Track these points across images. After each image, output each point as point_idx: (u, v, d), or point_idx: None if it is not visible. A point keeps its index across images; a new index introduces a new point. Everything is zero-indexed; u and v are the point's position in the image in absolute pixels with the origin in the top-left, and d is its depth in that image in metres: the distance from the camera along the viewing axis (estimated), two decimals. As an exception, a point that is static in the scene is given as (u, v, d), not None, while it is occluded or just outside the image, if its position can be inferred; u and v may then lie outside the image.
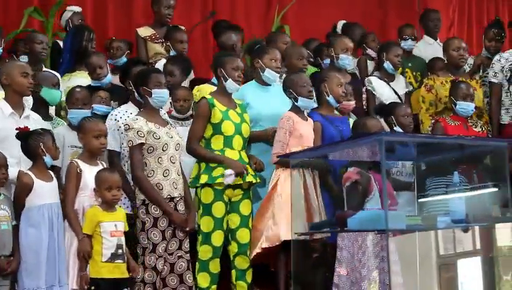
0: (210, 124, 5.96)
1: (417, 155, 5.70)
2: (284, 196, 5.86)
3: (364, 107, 7.35)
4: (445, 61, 7.53)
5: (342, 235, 5.46)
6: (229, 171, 5.84)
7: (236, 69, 6.04)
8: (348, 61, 7.14)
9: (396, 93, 7.37)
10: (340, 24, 8.60)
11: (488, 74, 7.60)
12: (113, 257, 5.32)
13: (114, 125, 6.03)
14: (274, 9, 9.27)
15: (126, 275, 5.39)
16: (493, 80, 7.37)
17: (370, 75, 7.65)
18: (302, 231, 5.60)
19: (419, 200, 5.71)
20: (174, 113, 6.50)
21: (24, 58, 7.08)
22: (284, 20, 9.21)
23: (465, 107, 6.74)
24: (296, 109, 6.14)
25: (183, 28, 7.82)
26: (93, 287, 5.26)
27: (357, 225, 4.86)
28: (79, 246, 5.30)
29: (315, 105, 6.25)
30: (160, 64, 7.11)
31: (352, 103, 6.81)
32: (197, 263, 5.90)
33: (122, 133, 5.96)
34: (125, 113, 6.14)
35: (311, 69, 7.43)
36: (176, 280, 5.69)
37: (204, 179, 5.90)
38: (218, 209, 5.90)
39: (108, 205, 5.39)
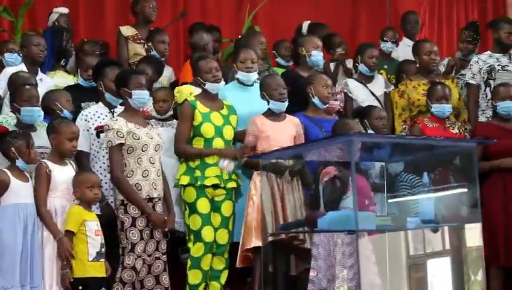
0: (192, 126, 6.04)
1: (388, 156, 5.71)
2: (256, 201, 5.91)
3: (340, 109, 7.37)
4: (417, 64, 7.55)
5: (318, 232, 5.48)
6: (224, 162, 5.95)
7: (209, 71, 6.12)
8: (320, 57, 7.14)
9: (373, 94, 7.40)
10: (305, 24, 8.63)
11: (461, 75, 7.65)
12: (98, 255, 5.38)
13: (84, 126, 6.01)
14: (245, 9, 9.27)
15: (105, 274, 5.43)
16: (471, 81, 7.41)
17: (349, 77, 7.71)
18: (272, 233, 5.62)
19: (390, 200, 5.72)
20: (154, 114, 6.49)
21: (15, 59, 6.98)
22: (255, 20, 9.21)
23: (440, 109, 6.78)
24: (269, 111, 6.18)
25: (166, 34, 7.79)
26: (80, 287, 5.27)
27: (327, 225, 4.86)
28: (59, 245, 5.28)
29: (284, 107, 6.25)
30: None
31: (337, 103, 6.88)
32: (188, 260, 5.96)
33: (92, 134, 5.98)
34: (96, 114, 6.14)
35: (278, 70, 7.46)
36: (153, 280, 5.71)
37: (185, 180, 5.98)
38: (203, 205, 5.97)
39: (87, 204, 5.44)
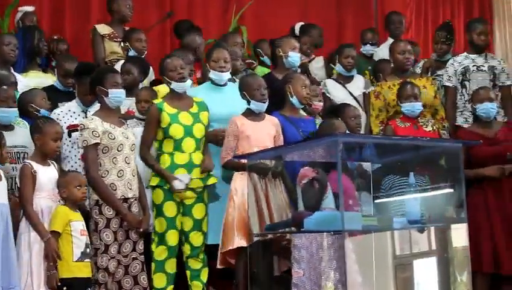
0: (161, 128, 5.96)
1: (373, 156, 5.72)
2: (237, 201, 5.89)
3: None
4: (391, 64, 7.57)
5: (300, 234, 5.46)
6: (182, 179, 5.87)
7: (174, 69, 6.04)
8: (296, 58, 7.12)
9: (352, 95, 7.39)
10: (297, 26, 8.63)
11: (437, 75, 7.67)
12: (83, 255, 5.37)
13: None
14: (232, 10, 9.27)
15: (90, 274, 5.42)
16: (447, 83, 7.46)
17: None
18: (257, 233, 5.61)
19: (375, 201, 5.73)
20: (137, 114, 6.46)
21: None
22: (241, 21, 9.21)
23: (410, 107, 6.78)
24: (248, 111, 6.14)
25: (142, 32, 7.75)
26: (65, 288, 5.26)
27: (313, 226, 4.85)
28: (46, 246, 5.26)
29: (264, 108, 6.21)
30: (119, 66, 7.02)
31: (321, 104, 6.87)
32: (152, 263, 5.90)
33: (63, 133, 5.95)
34: (68, 112, 6.16)
35: (263, 70, 7.45)
36: (131, 281, 5.69)
37: (155, 181, 5.94)
38: (169, 209, 5.92)
39: (73, 204, 5.42)
